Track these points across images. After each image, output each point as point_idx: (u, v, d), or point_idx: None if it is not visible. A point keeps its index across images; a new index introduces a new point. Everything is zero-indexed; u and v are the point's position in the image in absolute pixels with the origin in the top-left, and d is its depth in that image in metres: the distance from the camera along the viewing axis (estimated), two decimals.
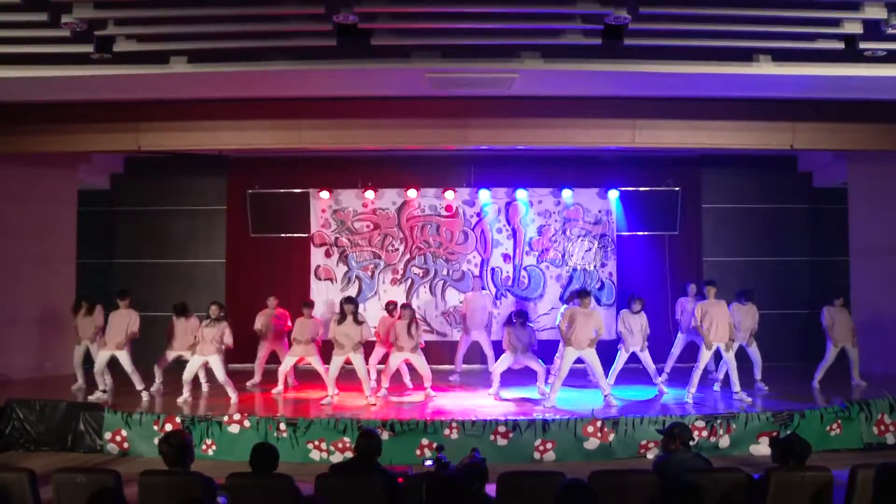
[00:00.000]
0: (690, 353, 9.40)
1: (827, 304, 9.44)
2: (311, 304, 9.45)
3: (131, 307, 8.97)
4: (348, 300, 8.79)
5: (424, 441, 7.31)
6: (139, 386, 8.77)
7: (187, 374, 8.66)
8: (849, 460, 5.03)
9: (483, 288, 11.16)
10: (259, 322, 9.74)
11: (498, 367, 8.93)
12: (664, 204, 11.69)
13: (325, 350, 9.01)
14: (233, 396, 8.62)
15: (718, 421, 7.54)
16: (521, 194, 11.65)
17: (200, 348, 8.63)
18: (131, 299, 9.08)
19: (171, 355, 9.09)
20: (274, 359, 9.77)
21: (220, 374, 8.64)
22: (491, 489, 4.30)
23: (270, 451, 4.37)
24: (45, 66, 7.04)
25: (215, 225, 12.02)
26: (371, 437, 4.61)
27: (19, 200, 10.35)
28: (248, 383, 9.60)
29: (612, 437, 7.43)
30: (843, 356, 9.34)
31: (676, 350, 9.75)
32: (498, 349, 9.44)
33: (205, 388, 9.30)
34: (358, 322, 8.61)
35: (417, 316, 9.08)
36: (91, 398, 8.52)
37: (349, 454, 7.16)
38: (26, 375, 10.16)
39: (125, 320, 8.82)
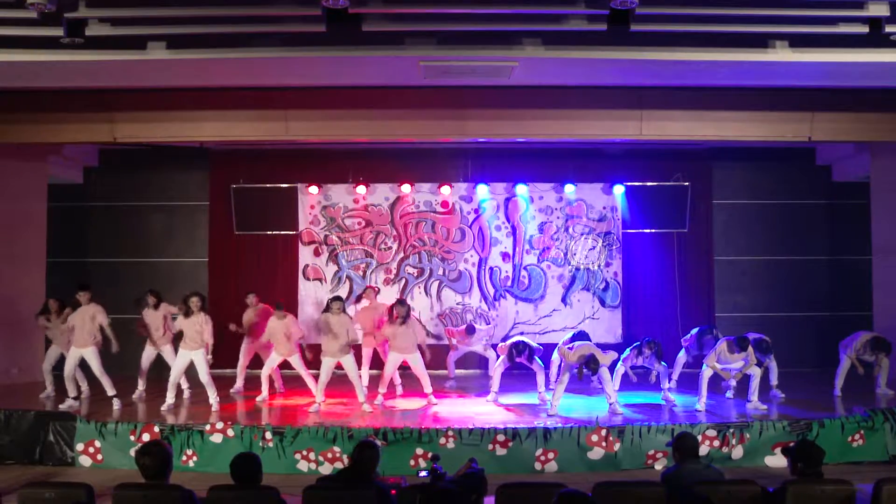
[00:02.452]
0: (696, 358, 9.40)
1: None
2: (281, 305, 9.28)
3: (93, 301, 8.80)
4: (336, 299, 8.82)
5: (419, 450, 7.31)
6: (110, 391, 8.70)
7: (174, 375, 8.63)
8: (873, 474, 5.04)
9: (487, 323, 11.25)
10: (246, 318, 9.73)
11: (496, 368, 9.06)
12: (673, 200, 11.69)
13: (315, 357, 8.99)
14: (213, 400, 8.56)
15: (731, 430, 7.54)
16: (522, 189, 11.65)
17: (184, 343, 8.62)
18: (92, 293, 8.88)
19: (146, 357, 9.09)
20: (258, 363, 9.74)
21: (202, 373, 8.59)
22: (489, 501, 4.30)
23: (254, 461, 4.35)
24: (9, 51, 6.94)
25: (197, 222, 11.98)
26: (369, 449, 4.60)
27: None
28: (230, 390, 9.57)
29: (617, 446, 7.44)
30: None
31: (683, 358, 9.74)
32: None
33: (186, 393, 9.29)
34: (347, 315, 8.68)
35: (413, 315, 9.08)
36: (62, 407, 8.47)
37: (339, 465, 7.17)
38: None
39: (89, 314, 8.68)
